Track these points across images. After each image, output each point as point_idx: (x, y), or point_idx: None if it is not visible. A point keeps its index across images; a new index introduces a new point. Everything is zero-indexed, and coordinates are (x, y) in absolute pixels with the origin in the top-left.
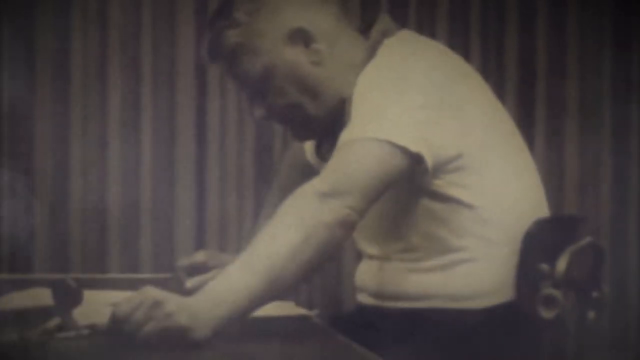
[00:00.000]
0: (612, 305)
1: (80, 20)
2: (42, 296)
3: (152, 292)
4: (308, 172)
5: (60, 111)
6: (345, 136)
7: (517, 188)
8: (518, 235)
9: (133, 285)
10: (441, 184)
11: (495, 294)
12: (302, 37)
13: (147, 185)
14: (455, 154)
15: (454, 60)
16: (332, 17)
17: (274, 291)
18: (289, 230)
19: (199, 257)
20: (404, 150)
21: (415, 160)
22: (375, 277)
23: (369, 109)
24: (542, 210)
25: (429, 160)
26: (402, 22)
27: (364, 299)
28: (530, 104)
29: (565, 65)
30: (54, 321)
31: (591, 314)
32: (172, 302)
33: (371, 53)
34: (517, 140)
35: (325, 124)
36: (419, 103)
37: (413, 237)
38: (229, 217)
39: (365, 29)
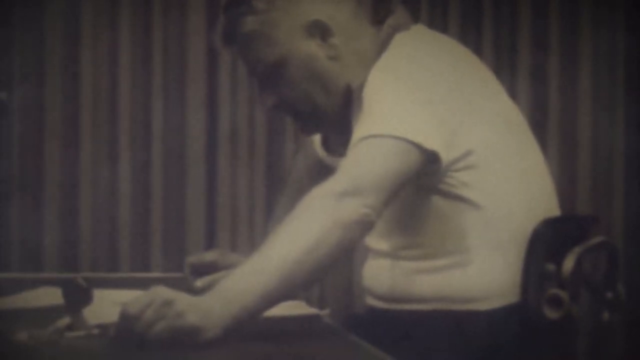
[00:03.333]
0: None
1: (91, 10)
2: (52, 295)
3: (162, 291)
4: (320, 171)
5: (70, 108)
6: (359, 133)
7: (527, 188)
8: (527, 236)
9: (144, 284)
10: (451, 183)
11: (503, 295)
12: (320, 31)
13: (158, 183)
14: (465, 151)
15: (466, 56)
16: (350, 9)
17: (287, 290)
18: (304, 229)
19: (209, 256)
20: (420, 147)
21: (430, 157)
22: (382, 278)
23: (382, 105)
24: (553, 210)
25: (443, 157)
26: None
27: (370, 300)
28: (542, 102)
29: (578, 63)
30: (64, 320)
31: (606, 315)
32: (183, 301)
33: (382, 47)
34: (528, 139)
35: (334, 117)
36: (430, 99)
37: (421, 235)
38: (241, 216)
39: (380, 20)
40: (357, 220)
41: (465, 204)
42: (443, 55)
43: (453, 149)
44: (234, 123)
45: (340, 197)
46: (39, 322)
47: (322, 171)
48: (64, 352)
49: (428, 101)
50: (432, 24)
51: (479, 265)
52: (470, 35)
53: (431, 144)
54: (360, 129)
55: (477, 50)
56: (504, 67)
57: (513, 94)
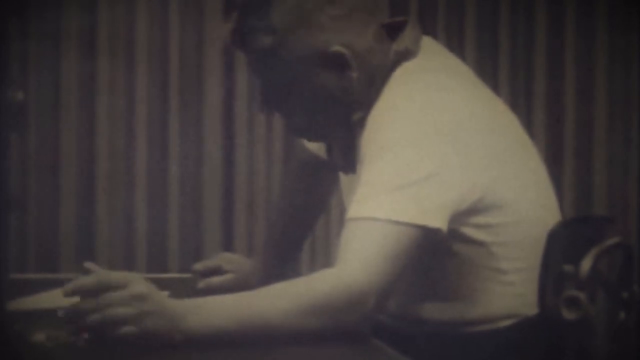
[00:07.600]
0: None
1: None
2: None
3: (138, 283)
4: (315, 167)
5: (86, 104)
6: (358, 210)
7: (540, 210)
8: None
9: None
10: (464, 229)
11: (519, 311)
12: (339, 63)
13: (175, 183)
14: (476, 199)
15: (474, 87)
16: (371, 37)
17: (252, 337)
18: (299, 300)
19: (213, 262)
20: (424, 228)
21: (435, 232)
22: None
23: (383, 173)
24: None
25: (447, 226)
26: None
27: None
28: (558, 104)
29: (593, 85)
30: None
31: (621, 315)
32: (155, 300)
33: (386, 75)
34: (533, 157)
35: (337, 135)
36: (434, 154)
37: (434, 273)
38: (257, 218)
39: (392, 33)
40: (359, 310)
41: (482, 246)
42: (446, 94)
43: (459, 207)
44: (251, 125)
45: (341, 291)
46: (56, 323)
47: (317, 167)
48: (82, 353)
49: (430, 157)
50: (449, 21)
51: (493, 294)
52: (486, 33)
53: (435, 221)
54: (359, 204)
55: (493, 50)
56: (520, 68)
57: (528, 95)
